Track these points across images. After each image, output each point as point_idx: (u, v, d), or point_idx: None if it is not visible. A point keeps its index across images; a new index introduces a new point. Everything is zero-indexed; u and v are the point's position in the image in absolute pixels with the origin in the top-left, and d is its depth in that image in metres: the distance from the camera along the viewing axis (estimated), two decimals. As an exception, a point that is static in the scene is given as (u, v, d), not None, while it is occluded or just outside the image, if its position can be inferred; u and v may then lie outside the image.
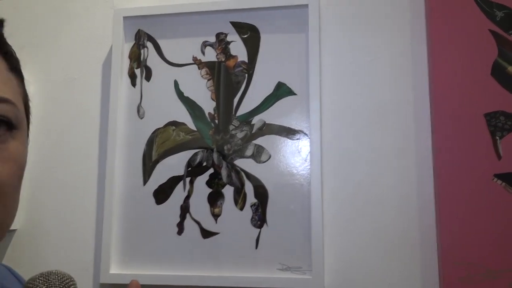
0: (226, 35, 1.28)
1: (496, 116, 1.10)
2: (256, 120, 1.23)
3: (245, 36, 1.27)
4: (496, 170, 1.08)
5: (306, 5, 1.23)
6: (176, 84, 1.28)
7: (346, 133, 1.20)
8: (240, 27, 1.28)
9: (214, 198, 1.21)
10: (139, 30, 1.33)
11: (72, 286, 0.50)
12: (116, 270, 1.22)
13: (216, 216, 1.21)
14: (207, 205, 1.21)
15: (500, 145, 1.09)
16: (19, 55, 0.57)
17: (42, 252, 1.29)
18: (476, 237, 1.06)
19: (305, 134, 1.20)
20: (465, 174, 1.09)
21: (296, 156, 1.20)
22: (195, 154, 1.24)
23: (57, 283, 0.50)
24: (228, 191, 1.21)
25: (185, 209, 1.22)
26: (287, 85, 1.23)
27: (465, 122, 1.11)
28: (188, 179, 1.23)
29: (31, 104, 0.59)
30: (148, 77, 1.30)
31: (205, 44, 1.29)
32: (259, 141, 1.22)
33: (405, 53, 1.21)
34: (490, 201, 1.07)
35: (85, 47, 1.37)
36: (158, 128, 1.27)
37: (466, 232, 1.06)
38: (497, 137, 1.09)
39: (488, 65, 1.13)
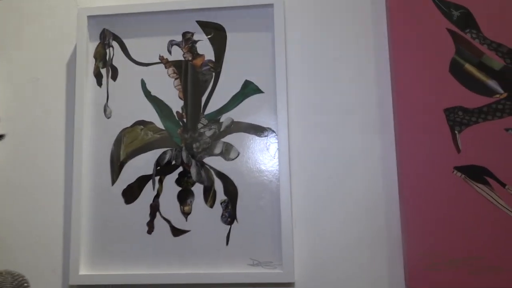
0: (192, 34, 1.29)
1: (455, 111, 1.15)
2: (224, 118, 1.24)
3: (212, 35, 1.28)
4: (456, 163, 1.13)
5: (272, 5, 1.25)
6: (143, 83, 1.28)
7: (313, 129, 1.23)
8: (206, 26, 1.28)
9: (184, 196, 1.22)
10: (104, 30, 1.32)
11: (25, 284, 0.51)
12: (85, 271, 1.21)
13: (186, 214, 1.21)
14: (177, 204, 1.22)
15: (459, 139, 1.14)
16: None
17: (10, 253, 1.26)
18: (438, 227, 1.11)
19: (273, 131, 1.22)
20: (427, 167, 1.13)
21: (264, 153, 1.22)
22: (164, 153, 1.24)
23: (10, 281, 0.50)
24: (197, 189, 1.22)
25: (154, 208, 1.22)
26: (254, 83, 1.25)
27: (426, 118, 1.15)
28: (157, 178, 1.24)
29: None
30: (114, 76, 1.30)
31: (171, 43, 1.29)
32: (227, 139, 1.23)
33: (368, 52, 1.25)
34: (451, 193, 1.12)
35: (49, 47, 1.35)
36: (126, 128, 1.27)
37: (429, 223, 1.11)
38: (456, 132, 1.14)
39: (446, 63, 1.18)
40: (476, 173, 1.12)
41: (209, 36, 1.28)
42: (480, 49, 1.17)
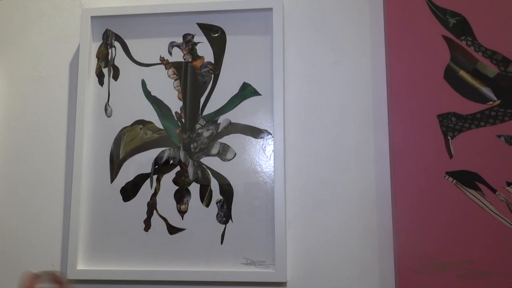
0: (193, 36, 1.31)
1: (448, 117, 1.17)
2: (222, 120, 1.26)
3: (212, 37, 1.30)
4: (448, 168, 1.15)
5: (271, 9, 1.27)
6: (143, 83, 1.31)
7: (309, 132, 1.25)
8: (206, 29, 1.31)
9: (181, 195, 1.24)
10: (107, 30, 1.34)
11: None
12: (83, 266, 1.24)
13: (182, 212, 1.24)
14: (174, 202, 1.24)
15: (452, 145, 1.16)
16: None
17: (10, 248, 1.29)
18: (429, 230, 1.12)
19: (269, 133, 1.24)
20: (419, 172, 1.15)
21: (260, 154, 1.24)
22: (162, 152, 1.27)
23: None
24: (194, 188, 1.24)
25: (152, 206, 1.25)
26: (252, 85, 1.27)
27: (420, 123, 1.17)
28: (155, 177, 1.26)
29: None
30: (115, 76, 1.32)
31: (172, 45, 1.32)
32: (224, 139, 1.26)
33: (365, 56, 1.27)
34: (442, 197, 1.13)
35: (52, 46, 1.38)
36: (126, 127, 1.29)
37: (420, 226, 1.13)
38: (449, 137, 1.16)
39: (441, 69, 1.19)
40: (467, 179, 1.13)
41: (210, 38, 1.30)
42: (475, 56, 1.19)
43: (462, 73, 1.18)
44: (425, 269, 1.11)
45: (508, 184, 1.12)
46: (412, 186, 1.15)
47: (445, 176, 1.14)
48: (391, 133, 1.19)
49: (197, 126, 1.27)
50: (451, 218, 1.13)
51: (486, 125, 1.15)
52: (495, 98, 1.16)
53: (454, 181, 1.14)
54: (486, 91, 1.17)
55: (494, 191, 1.12)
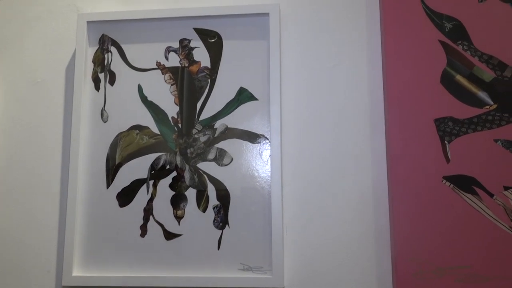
0: (189, 41, 1.31)
1: (445, 121, 1.17)
2: (219, 125, 1.26)
3: (208, 42, 1.30)
4: (445, 172, 1.14)
5: (267, 14, 1.27)
6: (140, 88, 1.30)
7: (305, 137, 1.25)
8: (203, 34, 1.31)
9: (177, 201, 1.24)
10: (103, 35, 1.34)
11: None
12: (79, 272, 1.23)
13: (179, 218, 1.23)
14: (170, 208, 1.24)
15: (449, 149, 1.16)
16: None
17: (5, 254, 1.28)
18: (426, 235, 1.12)
19: (266, 138, 1.24)
20: (417, 176, 1.15)
21: (257, 159, 1.23)
22: (158, 158, 1.27)
23: None
24: (191, 194, 1.24)
25: (148, 212, 1.24)
26: (249, 90, 1.27)
27: (417, 127, 1.17)
28: (151, 182, 1.26)
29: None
30: (112, 81, 1.32)
31: (168, 50, 1.31)
32: (221, 144, 1.25)
33: (362, 61, 1.27)
34: (440, 202, 1.13)
35: (49, 51, 1.38)
36: (122, 132, 1.29)
37: (417, 231, 1.13)
38: (446, 142, 1.16)
39: (437, 74, 1.19)
40: (464, 183, 1.13)
41: (207, 43, 1.30)
42: (471, 60, 1.19)
43: (459, 77, 1.19)
44: (422, 274, 1.11)
45: (506, 188, 1.12)
46: (409, 190, 1.14)
47: (442, 181, 1.14)
48: (388, 138, 1.19)
49: (194, 131, 1.27)
50: (448, 223, 1.12)
51: (483, 129, 1.15)
52: (492, 103, 1.16)
53: (451, 185, 1.14)
54: (483, 95, 1.17)
55: (491, 195, 1.12)
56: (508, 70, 1.17)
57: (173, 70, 1.30)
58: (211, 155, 1.25)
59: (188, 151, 1.26)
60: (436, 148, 1.16)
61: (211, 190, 1.23)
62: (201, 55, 1.30)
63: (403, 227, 1.13)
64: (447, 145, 1.16)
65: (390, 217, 1.17)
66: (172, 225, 1.23)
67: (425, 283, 1.10)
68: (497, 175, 1.13)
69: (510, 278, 1.08)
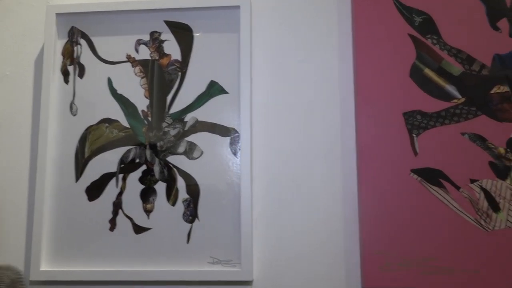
0: (160, 33, 1.30)
1: (414, 115, 1.17)
2: (189, 118, 1.25)
3: (179, 35, 1.29)
4: (412, 165, 1.15)
5: (238, 6, 1.26)
6: (109, 81, 1.29)
7: (276, 130, 1.24)
8: (174, 26, 1.30)
9: (147, 194, 1.23)
10: (72, 27, 1.32)
11: (21, 282, 0.51)
12: (47, 267, 1.22)
13: (148, 212, 1.22)
14: (140, 201, 1.23)
15: (417, 142, 1.16)
16: None
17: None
18: (394, 228, 1.13)
19: (236, 131, 1.23)
20: (385, 169, 1.15)
21: (227, 152, 1.23)
22: (128, 151, 1.26)
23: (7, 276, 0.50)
24: (160, 187, 1.23)
25: (117, 205, 1.23)
26: (219, 83, 1.26)
27: (386, 121, 1.18)
28: (120, 176, 1.25)
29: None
30: (81, 74, 1.30)
31: (139, 42, 1.30)
32: (191, 138, 1.24)
33: (332, 55, 1.27)
34: (407, 195, 1.14)
35: (17, 43, 1.36)
36: (91, 125, 1.28)
37: (385, 224, 1.13)
38: (414, 135, 1.16)
39: (407, 67, 1.20)
40: (432, 176, 1.14)
41: (177, 36, 1.29)
42: (440, 54, 1.20)
43: (427, 71, 1.19)
44: (390, 266, 1.11)
45: (472, 181, 1.13)
46: (377, 183, 1.15)
47: (410, 174, 1.15)
48: (358, 131, 1.19)
49: (164, 124, 1.26)
50: (415, 215, 1.13)
51: (451, 122, 1.16)
52: (460, 96, 1.17)
53: (419, 178, 1.14)
54: (451, 89, 1.18)
55: (458, 188, 1.13)
56: (476, 64, 1.18)
57: (143, 63, 1.29)
58: (181, 149, 1.24)
59: (158, 144, 1.25)
60: (404, 141, 1.16)
61: (180, 184, 1.23)
62: (172, 48, 1.29)
63: (371, 219, 1.14)
64: (415, 138, 1.16)
65: (358, 210, 1.17)
66: (141, 219, 1.22)
67: (392, 275, 1.11)
68: (464, 168, 1.14)
69: (476, 270, 1.09)
